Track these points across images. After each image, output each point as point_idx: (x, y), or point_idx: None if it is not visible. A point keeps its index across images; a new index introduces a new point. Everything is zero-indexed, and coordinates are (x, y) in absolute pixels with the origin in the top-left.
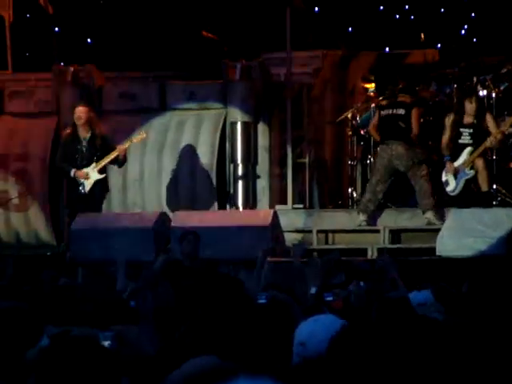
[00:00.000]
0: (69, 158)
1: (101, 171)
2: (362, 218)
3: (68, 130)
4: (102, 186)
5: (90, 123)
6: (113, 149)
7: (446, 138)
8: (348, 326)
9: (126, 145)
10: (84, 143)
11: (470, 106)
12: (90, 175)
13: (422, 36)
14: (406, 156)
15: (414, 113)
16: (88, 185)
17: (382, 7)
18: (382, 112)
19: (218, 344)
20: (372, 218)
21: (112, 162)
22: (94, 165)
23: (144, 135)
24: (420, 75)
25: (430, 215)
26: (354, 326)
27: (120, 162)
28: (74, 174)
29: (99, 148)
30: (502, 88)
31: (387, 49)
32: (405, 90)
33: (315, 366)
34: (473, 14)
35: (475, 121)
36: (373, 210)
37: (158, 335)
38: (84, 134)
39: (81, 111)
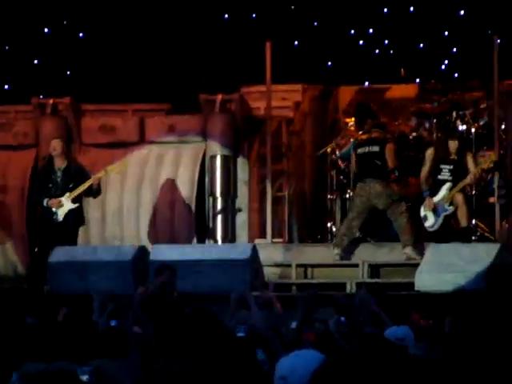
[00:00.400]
0: (43, 189)
1: (74, 201)
2: (336, 251)
3: (43, 162)
4: (76, 216)
5: (65, 154)
6: (87, 178)
7: (425, 172)
8: (328, 361)
9: (101, 174)
10: (59, 173)
11: (453, 145)
12: (64, 203)
13: (402, 71)
14: (385, 195)
15: (388, 148)
16: (61, 214)
17: (361, 42)
18: (359, 150)
19: (196, 376)
20: (348, 252)
21: (87, 192)
22: (67, 194)
23: (119, 165)
24: (400, 110)
25: (408, 251)
26: (334, 361)
27: (94, 191)
28: (47, 202)
29: (74, 178)
30: (481, 123)
31: (367, 83)
32: (377, 125)
33: None
34: (454, 50)
35: (456, 157)
36: (347, 245)
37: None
38: (59, 165)
39: (56, 143)
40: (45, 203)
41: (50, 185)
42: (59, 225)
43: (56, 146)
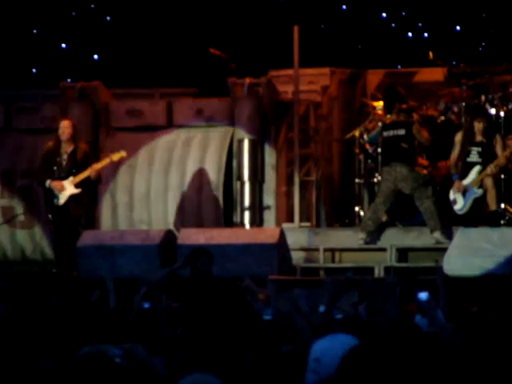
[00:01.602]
0: (48, 170)
1: (77, 186)
2: (361, 235)
3: (50, 143)
4: (77, 202)
5: (73, 138)
6: (94, 163)
7: (454, 156)
8: (357, 346)
9: (101, 164)
10: (64, 156)
11: (478, 126)
12: (66, 187)
13: (431, 54)
14: (411, 178)
15: (415, 128)
16: (62, 197)
17: (393, 24)
18: (384, 133)
19: (224, 360)
20: (374, 237)
21: (86, 180)
22: (71, 178)
23: (123, 154)
24: (428, 94)
25: (437, 235)
26: (363, 346)
27: (93, 180)
28: (50, 184)
29: (79, 163)
30: (510, 107)
31: (399, 66)
32: (404, 109)
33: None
34: (484, 34)
35: (484, 140)
36: (373, 229)
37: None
38: (66, 148)
39: (65, 126)
40: (47, 185)
41: (55, 167)
42: (61, 208)
43: (65, 129)
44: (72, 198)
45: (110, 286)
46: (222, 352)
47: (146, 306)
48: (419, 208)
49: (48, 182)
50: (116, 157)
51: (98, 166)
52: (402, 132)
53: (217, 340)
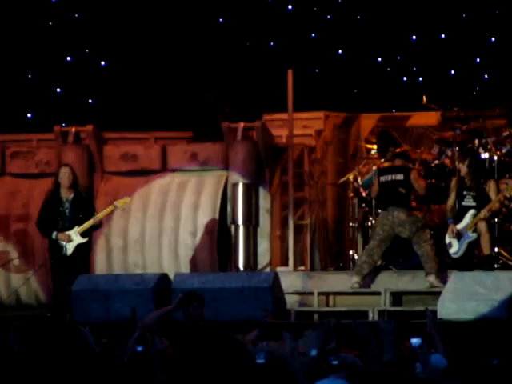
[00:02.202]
0: (51, 220)
1: (83, 235)
2: (355, 279)
3: (50, 192)
4: (84, 250)
5: (73, 184)
6: (94, 209)
7: (450, 201)
8: None
9: (105, 212)
10: (66, 205)
11: (462, 170)
12: (73, 238)
13: (424, 98)
14: (409, 223)
15: (413, 175)
16: (70, 248)
17: (388, 69)
18: (381, 178)
19: None
20: (368, 280)
21: (92, 227)
22: (76, 228)
23: (127, 200)
24: (422, 138)
25: (432, 278)
26: None
27: (98, 226)
28: (56, 236)
29: (82, 209)
30: (504, 151)
31: (390, 111)
32: (399, 154)
33: None
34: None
35: (474, 183)
36: (367, 273)
37: None
38: (67, 195)
39: (66, 172)
40: (54, 236)
41: (59, 217)
42: (69, 258)
43: (64, 174)
44: (79, 247)
45: (88, 334)
46: None
47: (139, 349)
48: (417, 252)
49: (55, 234)
50: (120, 203)
51: (102, 214)
52: (400, 177)
53: None
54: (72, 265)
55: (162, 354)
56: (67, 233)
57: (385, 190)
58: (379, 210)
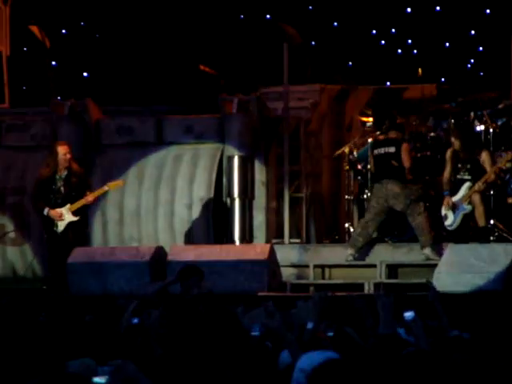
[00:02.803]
0: (44, 197)
1: (75, 213)
2: (350, 251)
3: (45, 170)
4: (76, 228)
5: (68, 161)
6: (88, 187)
7: (446, 173)
8: (328, 361)
9: (97, 193)
10: (60, 182)
11: (455, 144)
12: (64, 216)
13: (420, 71)
14: (403, 195)
15: (403, 148)
16: (61, 225)
17: (383, 42)
18: (375, 151)
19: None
20: (363, 253)
21: (85, 205)
22: (68, 206)
23: (121, 183)
24: (417, 110)
25: (427, 251)
26: (333, 361)
27: (90, 205)
28: (48, 212)
29: (75, 187)
30: (499, 123)
31: (388, 83)
32: (394, 126)
33: None
34: (474, 50)
35: (468, 156)
36: (362, 246)
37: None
38: (60, 173)
39: (66, 150)
40: (45, 213)
41: (51, 195)
42: (61, 236)
43: (67, 153)
44: (70, 224)
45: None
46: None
47: (135, 321)
48: (411, 224)
49: (46, 211)
50: (113, 186)
51: (94, 195)
52: (392, 149)
53: (205, 357)
54: (64, 242)
55: (157, 327)
56: (59, 210)
57: (378, 163)
58: (374, 184)
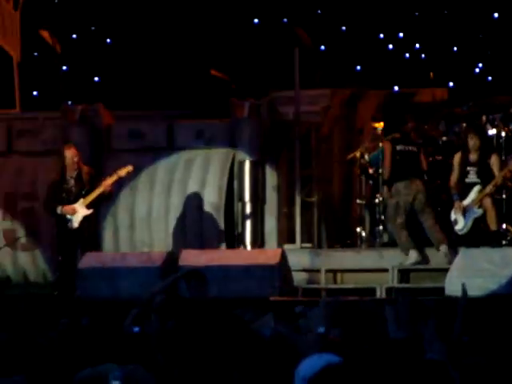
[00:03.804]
0: (56, 198)
1: (88, 207)
2: (414, 256)
3: (55, 173)
4: (90, 222)
5: (77, 162)
6: (100, 182)
7: (454, 176)
8: (329, 365)
9: (111, 180)
10: (71, 182)
11: (471, 143)
12: (78, 210)
13: (432, 75)
14: (425, 193)
15: (423, 151)
16: (76, 220)
17: (391, 46)
18: (398, 147)
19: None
20: (374, 258)
21: (99, 197)
22: (81, 200)
23: (130, 169)
24: (429, 114)
25: (444, 248)
26: (334, 365)
27: (107, 197)
28: (61, 210)
29: (86, 183)
30: (511, 127)
31: (396, 87)
32: (415, 130)
33: None
34: (486, 53)
35: (479, 158)
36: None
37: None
38: (71, 173)
39: (74, 153)
40: (58, 211)
41: (64, 194)
42: (75, 232)
43: (71, 157)
44: (85, 219)
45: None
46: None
47: (136, 330)
48: (424, 224)
49: (59, 209)
50: (123, 172)
51: (108, 181)
52: (415, 149)
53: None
54: (79, 238)
55: (159, 334)
56: (72, 205)
57: (403, 159)
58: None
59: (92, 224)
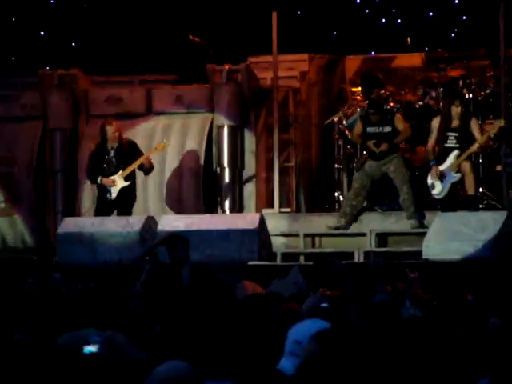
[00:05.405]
0: (98, 168)
1: (127, 178)
2: (343, 221)
3: (96, 143)
4: (128, 193)
5: (118, 134)
6: (140, 155)
7: (432, 141)
8: (326, 330)
9: (149, 153)
10: (112, 153)
11: (455, 110)
12: (117, 182)
13: (409, 40)
14: (396, 162)
15: (398, 118)
16: (114, 192)
17: (368, 10)
18: (369, 129)
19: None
20: (355, 222)
21: (139, 169)
22: (120, 172)
23: (167, 143)
24: (406, 79)
25: (413, 221)
26: (327, 331)
27: (145, 169)
28: (101, 181)
29: (126, 155)
30: (488, 91)
31: (373, 52)
32: (392, 95)
33: None
34: (461, 18)
35: (461, 124)
36: (353, 216)
37: None
38: (112, 144)
39: (115, 128)
40: (99, 181)
41: (104, 165)
42: (113, 202)
43: (116, 132)
44: (123, 190)
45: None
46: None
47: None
48: (399, 192)
49: (99, 179)
50: (161, 147)
51: (142, 158)
52: (387, 129)
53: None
54: (118, 209)
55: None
56: (111, 177)
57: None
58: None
59: (129, 194)
